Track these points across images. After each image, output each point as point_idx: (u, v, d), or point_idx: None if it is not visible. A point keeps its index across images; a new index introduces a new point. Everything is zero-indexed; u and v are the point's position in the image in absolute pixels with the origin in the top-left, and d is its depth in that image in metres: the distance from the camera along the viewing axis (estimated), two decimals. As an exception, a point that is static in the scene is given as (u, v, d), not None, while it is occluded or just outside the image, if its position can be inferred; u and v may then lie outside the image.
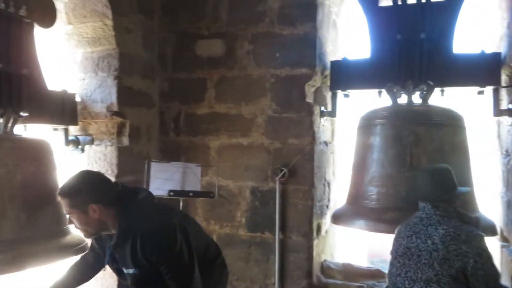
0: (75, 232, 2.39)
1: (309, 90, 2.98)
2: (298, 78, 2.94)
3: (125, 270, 1.90)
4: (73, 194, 1.81)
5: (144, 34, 3.03)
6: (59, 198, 1.85)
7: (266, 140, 3.04)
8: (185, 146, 3.20)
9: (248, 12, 3.03)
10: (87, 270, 2.24)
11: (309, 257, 2.96)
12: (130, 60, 2.87)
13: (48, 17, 2.44)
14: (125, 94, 2.82)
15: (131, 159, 2.87)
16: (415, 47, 2.68)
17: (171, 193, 2.68)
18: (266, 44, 3.01)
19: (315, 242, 3.02)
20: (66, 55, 2.87)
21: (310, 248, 2.96)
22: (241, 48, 3.06)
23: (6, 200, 2.05)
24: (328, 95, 3.13)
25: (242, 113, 3.08)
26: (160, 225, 1.86)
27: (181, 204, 2.80)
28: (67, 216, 1.88)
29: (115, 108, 2.76)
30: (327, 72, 3.01)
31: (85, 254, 2.22)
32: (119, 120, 2.82)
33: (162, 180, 2.68)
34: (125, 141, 2.86)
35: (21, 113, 2.24)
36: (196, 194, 2.77)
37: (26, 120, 2.33)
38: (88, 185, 1.85)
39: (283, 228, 2.98)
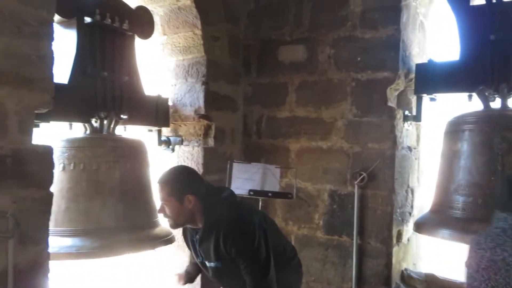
0: (164, 224, 2.62)
1: (392, 94, 2.93)
2: (380, 81, 2.90)
3: (207, 263, 2.05)
4: (172, 182, 1.98)
5: (230, 41, 3.21)
6: (158, 186, 2.03)
7: (345, 144, 3.05)
8: (266, 148, 3.32)
9: (329, 17, 3.06)
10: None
11: (388, 264, 2.90)
12: (217, 67, 3.06)
13: (147, 29, 2.71)
14: (212, 99, 3.01)
15: (215, 159, 3.05)
16: (510, 48, 2.51)
17: (251, 193, 2.81)
18: (347, 48, 3.02)
19: (395, 249, 2.95)
20: (160, 63, 3.14)
21: (389, 255, 2.90)
22: (322, 53, 3.11)
23: (107, 193, 2.33)
24: (413, 99, 3.04)
25: (322, 116, 3.12)
26: (241, 223, 1.97)
27: (260, 203, 2.92)
28: (160, 203, 2.06)
29: (202, 111, 2.96)
30: (412, 75, 2.93)
31: None
32: (205, 122, 3.02)
33: (243, 179, 2.82)
34: (211, 142, 3.06)
35: (122, 116, 2.51)
36: (275, 194, 2.87)
37: (125, 122, 2.61)
38: (187, 176, 2.03)
39: (361, 232, 2.96)
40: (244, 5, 3.34)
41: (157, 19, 2.94)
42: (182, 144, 3.09)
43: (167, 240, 2.53)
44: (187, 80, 3.01)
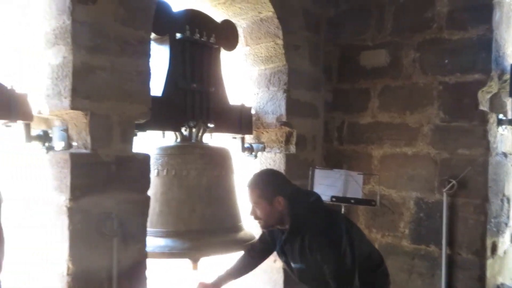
0: (247, 229, 2.72)
1: (484, 96, 2.76)
2: (470, 84, 2.75)
3: (292, 264, 2.11)
4: (262, 185, 2.08)
5: (310, 49, 3.24)
6: (247, 190, 2.13)
7: (432, 150, 2.93)
8: (348, 155, 3.30)
9: (414, 20, 2.98)
10: (252, 261, 2.52)
11: (482, 278, 2.73)
12: (298, 74, 3.11)
13: (232, 42, 2.85)
14: (293, 106, 3.06)
15: (297, 166, 3.09)
16: None
17: (333, 199, 2.81)
18: (433, 51, 2.90)
19: (489, 261, 2.76)
20: (243, 73, 3.27)
21: (482, 268, 2.73)
22: (406, 57, 3.03)
23: (196, 198, 2.47)
24: (508, 101, 2.85)
25: (407, 122, 3.03)
26: (328, 227, 2.00)
27: (342, 210, 2.90)
28: (251, 206, 2.15)
29: (284, 118, 3.03)
30: (507, 76, 2.74)
31: (251, 246, 2.51)
32: (287, 129, 3.08)
33: (324, 186, 2.83)
34: (292, 149, 3.11)
35: (209, 125, 2.66)
36: (358, 201, 2.84)
37: (212, 130, 2.76)
38: (275, 179, 2.12)
39: (450, 243, 2.81)
40: (324, 13, 3.36)
41: (240, 31, 3.07)
42: (264, 150, 3.17)
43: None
44: (269, 89, 3.10)
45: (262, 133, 3.20)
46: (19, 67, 2.40)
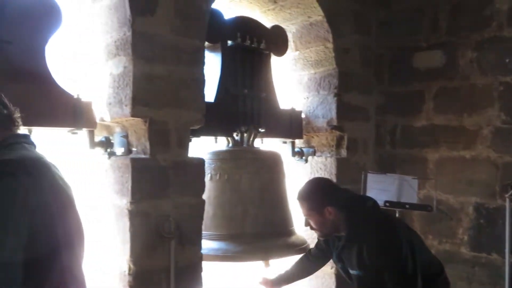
0: (299, 233, 2.72)
1: (549, 97, 2.61)
2: (534, 84, 2.61)
3: (350, 271, 2.09)
4: (311, 198, 2.09)
5: (361, 52, 3.20)
6: (298, 203, 2.15)
7: (493, 154, 2.79)
8: (401, 159, 3.21)
9: (471, 19, 2.86)
10: (310, 265, 2.52)
11: (550, 289, 2.57)
12: (348, 78, 3.08)
13: (282, 47, 2.88)
14: (344, 109, 3.03)
15: (348, 170, 3.06)
16: None
17: (387, 204, 2.75)
18: (492, 50, 2.78)
19: (559, 272, 2.59)
20: (293, 77, 3.28)
21: (551, 279, 2.56)
22: (463, 57, 2.91)
23: (248, 201, 2.51)
24: None
25: (464, 124, 2.92)
26: (387, 233, 1.97)
27: (397, 215, 2.83)
28: (305, 218, 2.18)
29: (335, 122, 3.00)
30: None
31: (310, 251, 2.51)
32: (338, 133, 3.05)
33: (377, 190, 2.77)
34: (343, 153, 3.08)
35: (260, 129, 2.70)
36: (413, 206, 2.76)
37: (263, 135, 2.79)
38: (323, 189, 2.12)
39: (514, 251, 2.67)
40: (374, 14, 3.30)
41: (289, 36, 3.08)
42: (315, 155, 3.16)
43: (303, 248, 2.62)
44: (319, 93, 3.09)
45: (312, 137, 3.19)
46: (82, 77, 2.56)
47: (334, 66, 3.00)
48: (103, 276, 2.28)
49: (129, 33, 1.97)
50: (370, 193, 2.81)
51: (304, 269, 2.52)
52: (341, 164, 3.03)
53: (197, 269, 2.20)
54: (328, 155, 3.09)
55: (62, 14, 2.02)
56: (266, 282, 2.46)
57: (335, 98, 3.00)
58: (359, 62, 3.21)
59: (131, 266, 2.00)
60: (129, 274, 2.02)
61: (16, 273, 1.26)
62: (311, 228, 2.14)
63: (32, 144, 1.49)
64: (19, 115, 1.46)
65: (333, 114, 3.01)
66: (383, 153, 3.32)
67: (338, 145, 3.08)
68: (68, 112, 2.00)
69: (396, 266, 1.90)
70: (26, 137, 1.49)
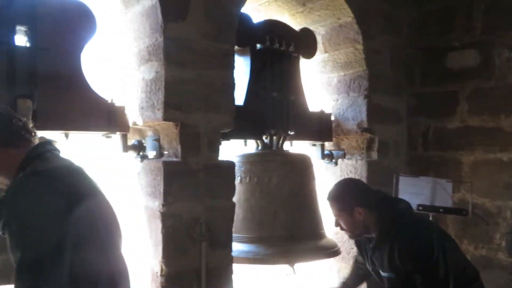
0: (330, 236, 2.70)
1: None
2: None
3: (382, 273, 2.06)
4: (341, 198, 2.08)
5: (391, 53, 3.15)
6: (328, 202, 2.15)
7: (532, 156, 2.70)
8: (434, 161, 3.14)
9: (508, 17, 2.77)
10: (363, 271, 2.49)
11: None
12: (379, 79, 3.04)
13: (311, 49, 2.87)
14: (374, 111, 2.99)
15: (379, 173, 3.01)
16: None
17: (420, 208, 2.69)
18: (531, 48, 2.69)
19: None
20: (322, 79, 3.26)
21: None
22: (499, 56, 2.83)
23: (278, 204, 2.51)
24: None
25: (501, 126, 2.82)
26: (419, 235, 1.94)
27: (430, 219, 2.77)
28: (335, 218, 2.16)
29: (365, 124, 2.96)
30: None
31: (356, 257, 2.48)
32: (368, 136, 3.01)
33: (410, 194, 2.71)
34: (374, 155, 3.03)
35: (289, 132, 2.69)
36: (447, 210, 2.69)
37: (292, 138, 2.79)
38: (354, 190, 2.11)
39: (556, 258, 2.56)
40: (405, 15, 3.25)
41: (318, 38, 3.07)
42: (345, 157, 3.13)
43: (333, 252, 2.60)
44: (349, 95, 3.06)
45: (342, 139, 3.16)
46: (115, 83, 2.63)
47: (364, 68, 2.97)
48: (136, 277, 2.33)
49: (160, 39, 2.01)
50: (403, 196, 2.75)
51: (359, 275, 2.51)
52: (371, 167, 2.99)
53: (228, 271, 2.21)
54: (359, 157, 3.05)
55: (96, 21, 2.08)
56: None
57: (366, 100, 2.97)
58: (390, 63, 3.16)
59: (163, 267, 2.03)
60: (161, 275, 2.05)
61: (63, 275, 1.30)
62: (341, 228, 2.14)
63: (58, 150, 1.54)
64: (32, 125, 1.51)
65: (364, 116, 2.97)
66: (415, 156, 3.25)
67: (369, 148, 3.03)
68: (102, 116, 2.05)
69: (427, 269, 1.86)
70: (51, 143, 1.54)
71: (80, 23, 2.03)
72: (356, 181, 2.31)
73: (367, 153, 3.04)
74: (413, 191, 2.74)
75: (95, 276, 1.41)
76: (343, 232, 2.26)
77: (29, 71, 1.86)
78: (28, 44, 1.91)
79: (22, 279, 1.27)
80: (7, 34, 1.85)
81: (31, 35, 1.90)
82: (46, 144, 1.52)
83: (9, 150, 1.43)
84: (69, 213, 1.35)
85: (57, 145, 1.56)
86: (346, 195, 2.09)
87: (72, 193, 1.40)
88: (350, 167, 3.07)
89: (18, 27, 1.88)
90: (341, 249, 2.66)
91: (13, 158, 1.42)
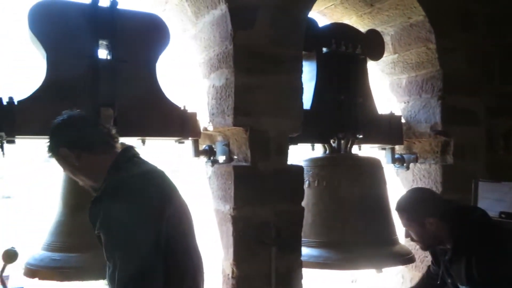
0: (403, 242, 2.60)
1: None
2: None
3: (460, 286, 1.95)
4: (410, 209, 2.00)
5: (467, 51, 2.97)
6: (397, 213, 2.08)
7: None
8: (517, 165, 2.92)
9: None
10: (433, 281, 2.37)
11: None
12: (453, 79, 2.88)
13: (378, 51, 2.80)
14: (449, 113, 2.84)
15: (455, 178, 2.85)
16: None
17: (503, 215, 2.50)
18: None
19: None
20: (391, 81, 3.16)
21: None
22: None
23: (348, 209, 2.47)
24: None
25: None
26: (497, 246, 1.82)
27: (514, 228, 2.57)
28: (404, 229, 2.09)
29: (439, 127, 2.82)
30: None
31: (429, 267, 2.37)
32: (443, 139, 2.87)
33: (491, 200, 2.54)
34: (449, 159, 2.87)
35: (358, 136, 2.64)
36: (533, 218, 2.48)
37: (360, 141, 2.73)
38: (423, 199, 2.01)
39: None
40: (481, 10, 3.05)
41: (387, 39, 2.99)
42: (417, 161, 3.00)
43: (407, 259, 2.50)
44: (421, 96, 2.93)
45: (414, 143, 3.03)
46: (186, 90, 2.74)
47: (438, 68, 2.83)
48: (206, 278, 2.39)
49: (230, 47, 2.06)
50: (482, 203, 2.59)
51: (428, 286, 2.40)
52: (447, 172, 2.84)
53: (297, 276, 2.20)
54: (432, 161, 2.92)
55: (169, 33, 2.19)
56: None
57: (439, 101, 2.83)
58: (465, 62, 2.98)
59: (235, 270, 2.08)
60: (232, 277, 2.09)
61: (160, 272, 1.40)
62: (412, 239, 2.05)
63: (140, 156, 1.64)
64: (115, 131, 1.61)
65: (437, 118, 2.83)
66: (496, 160, 3.04)
67: (444, 151, 2.88)
68: (176, 123, 2.15)
69: (507, 281, 1.73)
70: (134, 149, 1.64)
71: (155, 35, 2.15)
72: (425, 190, 2.21)
73: (441, 157, 2.89)
74: (495, 198, 2.56)
75: (182, 272, 1.50)
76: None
77: (110, 82, 2.00)
78: (109, 57, 2.06)
79: (124, 273, 1.36)
80: (91, 48, 2.00)
81: (111, 48, 2.04)
82: (131, 149, 1.63)
83: (98, 155, 1.54)
84: (162, 213, 1.45)
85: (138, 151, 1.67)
86: (416, 205, 2.00)
87: (162, 195, 1.50)
88: (423, 172, 2.94)
89: (100, 41, 2.03)
90: (415, 257, 2.56)
91: (102, 163, 1.53)
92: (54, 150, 1.55)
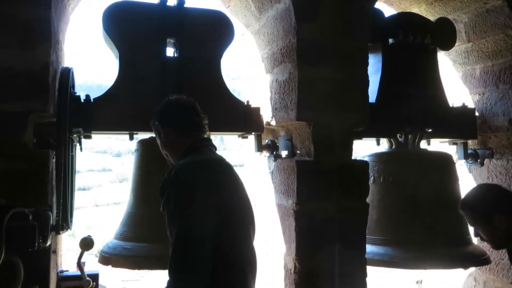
0: (477, 243, 2.45)
1: None
2: None
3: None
4: (474, 206, 1.89)
5: (551, 37, 2.72)
6: (461, 212, 1.96)
7: None
8: None
9: None
10: None
11: None
12: (537, 68, 2.65)
13: (449, 40, 2.65)
14: (530, 105, 2.62)
15: (537, 175, 2.63)
16: None
17: None
18: None
19: None
20: (464, 72, 2.97)
21: None
22: None
23: (416, 206, 2.36)
24: None
25: None
26: None
27: None
28: (473, 228, 1.97)
29: (520, 120, 2.62)
30: None
31: None
32: (523, 133, 2.66)
33: None
34: (530, 155, 2.66)
35: (427, 130, 2.52)
36: None
37: (429, 136, 2.60)
38: (491, 196, 1.89)
39: None
40: None
41: (460, 27, 2.81)
42: (492, 157, 2.81)
43: (482, 260, 2.36)
44: (498, 87, 2.73)
45: (490, 137, 2.83)
46: (246, 87, 2.77)
47: (518, 56, 2.62)
48: (268, 272, 2.41)
49: (294, 40, 2.05)
50: None
51: None
52: (527, 169, 2.63)
53: (361, 274, 2.15)
54: (510, 157, 2.71)
55: (234, 29, 2.22)
56: None
57: (520, 92, 2.62)
58: (551, 48, 2.73)
59: (297, 265, 2.07)
60: (294, 272, 2.09)
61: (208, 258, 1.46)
62: (481, 239, 1.92)
63: (214, 146, 1.71)
64: (207, 121, 1.69)
65: (517, 111, 2.62)
66: None
67: (524, 147, 2.67)
68: (239, 118, 2.18)
69: None
70: (209, 140, 1.72)
71: (220, 32, 2.19)
72: (493, 186, 2.06)
73: (521, 152, 2.68)
74: None
75: (229, 264, 1.54)
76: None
77: (177, 78, 2.07)
78: (176, 55, 2.13)
79: (177, 252, 1.47)
80: (159, 47, 2.08)
81: (178, 46, 2.11)
82: (206, 139, 1.75)
83: (181, 138, 1.69)
84: (212, 200, 1.53)
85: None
86: (483, 202, 1.88)
87: (217, 183, 1.58)
88: (500, 168, 2.74)
89: (168, 40, 2.10)
90: (490, 258, 2.41)
91: (181, 146, 1.68)
92: (153, 122, 1.74)
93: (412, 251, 2.26)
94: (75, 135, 1.97)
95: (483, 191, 1.97)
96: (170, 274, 1.47)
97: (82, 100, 2.00)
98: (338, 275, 2.09)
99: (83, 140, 2.05)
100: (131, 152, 2.52)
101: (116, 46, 2.08)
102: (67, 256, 2.90)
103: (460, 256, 2.33)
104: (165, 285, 1.49)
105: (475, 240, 2.44)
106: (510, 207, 1.83)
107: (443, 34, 2.65)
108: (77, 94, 2.00)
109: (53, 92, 1.84)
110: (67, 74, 1.89)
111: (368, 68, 2.26)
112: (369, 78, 2.25)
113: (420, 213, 2.34)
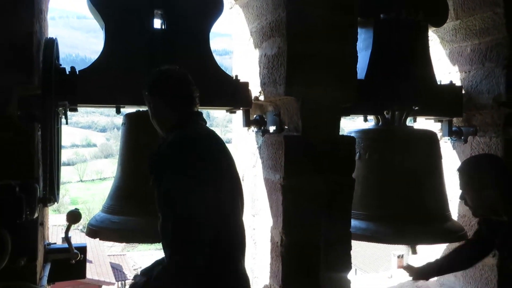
0: (455, 219, 2.52)
1: None
2: None
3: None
4: (473, 174, 1.95)
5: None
6: (457, 172, 2.01)
7: None
8: None
9: None
10: (468, 257, 2.32)
11: None
12: (521, 47, 2.67)
13: (441, 17, 2.64)
14: (514, 83, 2.65)
15: (518, 153, 2.69)
16: None
17: None
18: None
19: None
20: (452, 49, 2.98)
21: None
22: None
23: (399, 183, 2.41)
24: None
25: None
26: None
27: None
28: (461, 191, 2.02)
29: (503, 98, 2.64)
30: None
31: (468, 241, 2.31)
32: (507, 110, 2.69)
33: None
34: (513, 133, 2.71)
35: (414, 107, 2.53)
36: None
37: (416, 114, 2.63)
38: (490, 168, 1.95)
39: None
40: None
41: (449, 4, 2.80)
42: (476, 134, 2.85)
43: (459, 236, 2.43)
44: (484, 65, 2.75)
45: (474, 115, 2.87)
46: (234, 62, 2.74)
47: (505, 35, 2.62)
48: (255, 245, 2.45)
49: (283, 14, 2.02)
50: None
51: (460, 261, 2.34)
52: (509, 146, 2.68)
53: (346, 246, 2.20)
54: (493, 135, 2.75)
55: (223, 2, 2.18)
56: (411, 269, 2.33)
57: (505, 71, 2.63)
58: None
59: (283, 238, 2.11)
60: (281, 245, 2.13)
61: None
62: (465, 203, 2.00)
63: (204, 121, 1.70)
64: (198, 94, 1.67)
65: (502, 89, 2.65)
66: None
67: (507, 124, 2.70)
68: (228, 92, 2.17)
69: None
70: (199, 114, 1.70)
71: (209, 5, 2.14)
72: (494, 159, 2.12)
73: (504, 130, 2.72)
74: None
75: (218, 240, 1.55)
76: (471, 216, 2.10)
77: (165, 51, 2.04)
78: (163, 27, 2.09)
79: (173, 232, 1.46)
80: (147, 18, 2.04)
81: (166, 18, 2.07)
82: (197, 114, 1.73)
83: (171, 110, 1.67)
84: (208, 174, 1.53)
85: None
86: (481, 172, 1.95)
87: (212, 158, 1.59)
88: (483, 145, 2.79)
89: (155, 11, 2.06)
90: (467, 234, 2.48)
91: (170, 118, 1.67)
92: (143, 92, 1.72)
93: (394, 227, 2.32)
94: (60, 108, 1.94)
95: (487, 165, 2.02)
96: (169, 254, 1.48)
97: (67, 72, 1.96)
98: (323, 248, 2.13)
99: (68, 113, 2.03)
100: (116, 128, 2.50)
101: (102, 17, 2.03)
102: (52, 231, 2.90)
103: (440, 232, 2.40)
104: (164, 263, 1.51)
105: (454, 214, 2.51)
106: (501, 185, 1.88)
107: (435, 10, 2.63)
108: (62, 66, 1.95)
109: (38, 64, 1.80)
110: (51, 45, 1.84)
111: (359, 43, 2.25)
112: (359, 54, 2.24)
113: (402, 189, 2.38)
